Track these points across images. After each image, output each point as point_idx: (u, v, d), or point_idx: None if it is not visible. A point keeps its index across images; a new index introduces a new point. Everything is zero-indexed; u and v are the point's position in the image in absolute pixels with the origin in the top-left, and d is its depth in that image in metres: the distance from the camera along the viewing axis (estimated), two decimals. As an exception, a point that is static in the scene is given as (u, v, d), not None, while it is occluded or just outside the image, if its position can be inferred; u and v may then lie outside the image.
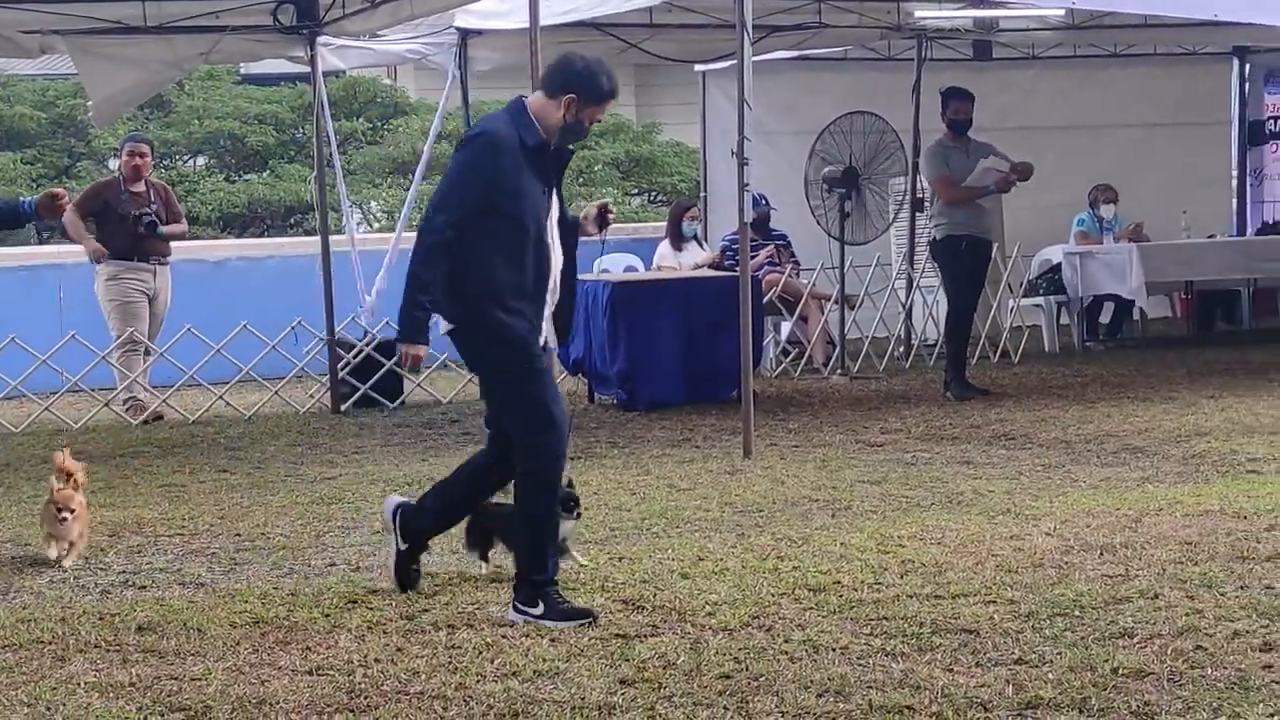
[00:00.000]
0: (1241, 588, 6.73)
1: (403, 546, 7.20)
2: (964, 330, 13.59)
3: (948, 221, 13.29)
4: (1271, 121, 20.25)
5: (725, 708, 5.45)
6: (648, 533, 8.39)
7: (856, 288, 15.37)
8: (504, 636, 6.43)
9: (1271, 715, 5.13)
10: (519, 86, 7.75)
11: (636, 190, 24.43)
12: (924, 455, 10.54)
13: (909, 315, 16.18)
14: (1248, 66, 20.01)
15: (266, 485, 10.22)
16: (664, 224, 16.26)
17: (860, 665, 5.88)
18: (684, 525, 8.56)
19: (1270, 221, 19.39)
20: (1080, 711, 5.25)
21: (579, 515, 7.39)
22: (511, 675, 5.90)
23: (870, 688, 5.59)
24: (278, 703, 5.64)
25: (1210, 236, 17.74)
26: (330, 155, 14.38)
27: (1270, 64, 20.06)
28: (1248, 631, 6.08)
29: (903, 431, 11.61)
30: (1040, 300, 16.79)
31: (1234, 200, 20.29)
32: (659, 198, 23.90)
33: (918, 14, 15.78)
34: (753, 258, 13.42)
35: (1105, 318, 17.57)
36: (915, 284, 16.08)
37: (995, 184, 13.37)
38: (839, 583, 7.09)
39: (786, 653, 6.07)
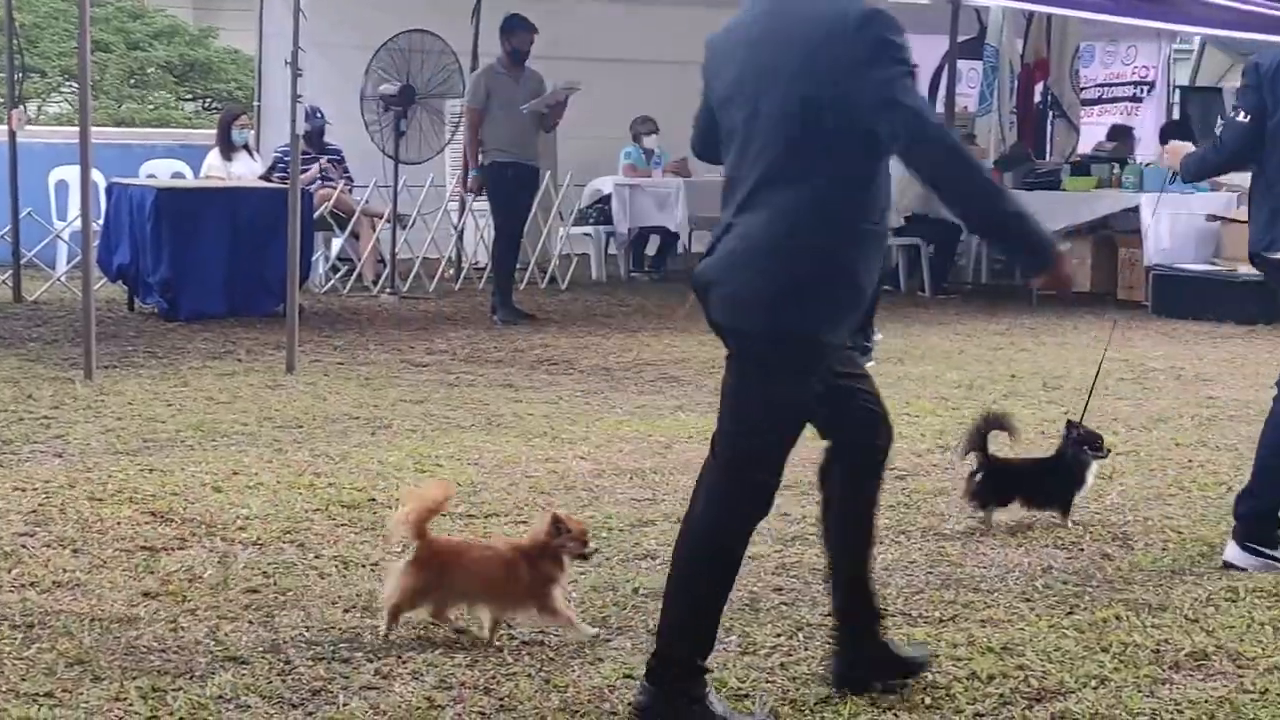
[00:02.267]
0: (758, 513, 7.00)
1: None
2: (509, 255, 13.72)
3: (494, 147, 13.41)
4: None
5: (250, 621, 5.41)
6: (182, 445, 8.24)
7: (409, 207, 15.34)
8: (24, 546, 6.24)
9: (779, 635, 5.37)
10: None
11: (190, 96, 23.81)
12: (467, 377, 10.63)
13: (460, 237, 16.24)
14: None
15: None
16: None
17: (389, 581, 5.91)
18: (220, 439, 8.43)
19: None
20: (601, 629, 5.41)
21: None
22: (30, 585, 5.74)
23: (398, 604, 5.63)
24: None
25: (753, 175, 18.28)
26: None
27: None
28: (764, 555, 6.33)
29: (448, 353, 11.67)
30: (589, 229, 17.07)
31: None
32: (213, 104, 23.35)
33: (479, -64, 15.79)
34: (305, 171, 13.26)
35: (651, 249, 17.98)
36: (468, 206, 16.14)
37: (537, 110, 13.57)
38: (374, 500, 7.11)
39: (316, 568, 6.07)
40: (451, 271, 16.01)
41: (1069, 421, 7.16)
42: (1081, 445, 7.00)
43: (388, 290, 14.86)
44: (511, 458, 8.08)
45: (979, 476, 6.90)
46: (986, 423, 6.98)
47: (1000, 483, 6.90)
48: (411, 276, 15.20)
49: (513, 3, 15.12)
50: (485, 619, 5.27)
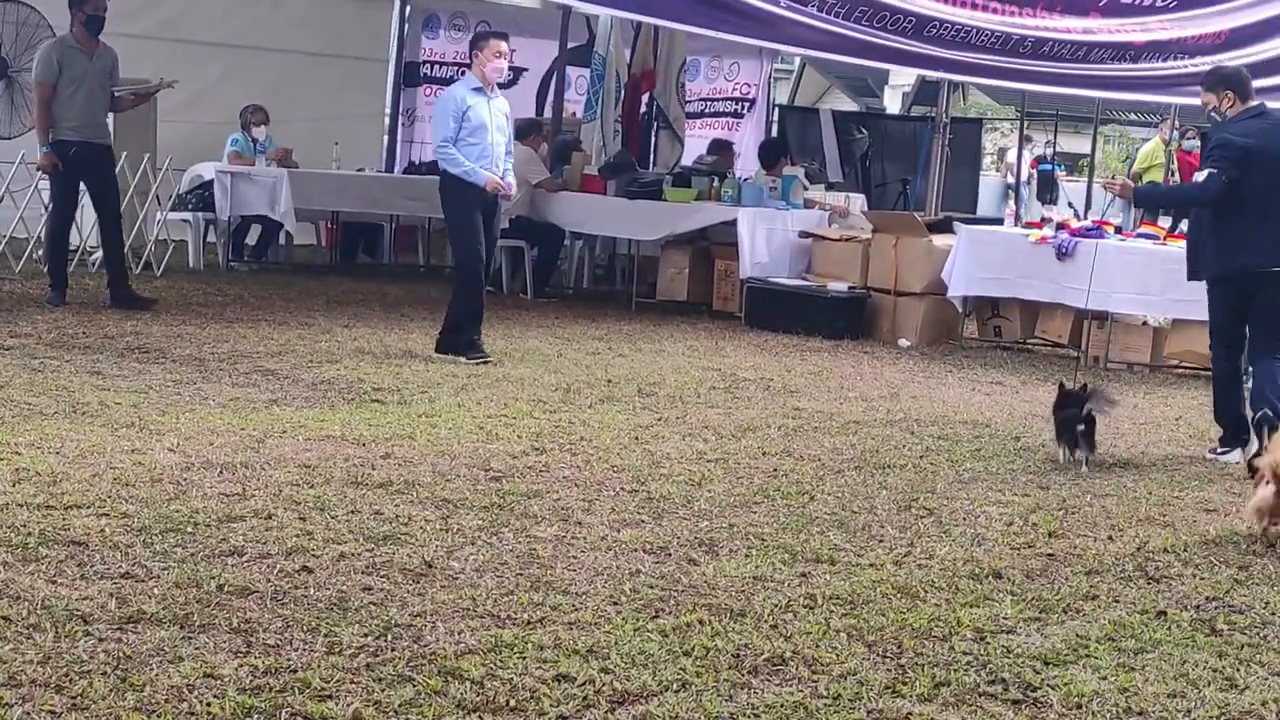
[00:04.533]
0: (353, 512, 6.93)
1: None
2: (62, 234, 13.32)
3: (62, 125, 12.92)
4: (427, 65, 20.95)
5: None
6: None
7: (-3, 184, 14.74)
8: None
9: (366, 635, 5.31)
10: None
11: None
12: (53, 362, 10.25)
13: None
14: (408, 8, 20.61)
15: None
16: None
17: (-42, 575, 5.65)
18: None
19: (417, 161, 20.07)
20: (181, 626, 5.26)
21: None
22: None
23: (-34, 598, 5.39)
24: None
25: (359, 170, 18.16)
26: None
27: (429, 8, 20.73)
28: (354, 554, 6.26)
29: (33, 336, 11.25)
30: (188, 215, 16.67)
31: (385, 137, 20.89)
32: None
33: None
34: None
35: (252, 239, 17.67)
36: (61, 186, 15.57)
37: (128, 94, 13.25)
38: (-55, 488, 6.79)
39: (-122, 559, 5.75)
40: (40, 253, 15.41)
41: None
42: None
43: (-30, 269, 14.25)
44: (96, 447, 7.82)
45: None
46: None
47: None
48: (-3, 256, 14.62)
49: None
50: None
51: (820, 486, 8.08)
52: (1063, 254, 13.54)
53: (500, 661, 5.15)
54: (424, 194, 17.25)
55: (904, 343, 14.29)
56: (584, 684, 5.01)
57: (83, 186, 13.24)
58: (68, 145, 12.90)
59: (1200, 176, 9.62)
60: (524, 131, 16.57)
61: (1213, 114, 9.89)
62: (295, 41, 18.88)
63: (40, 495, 6.81)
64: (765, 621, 5.75)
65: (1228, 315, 9.62)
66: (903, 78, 28.33)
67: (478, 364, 11.31)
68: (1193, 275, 9.79)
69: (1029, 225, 15.48)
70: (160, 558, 6.05)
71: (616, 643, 5.41)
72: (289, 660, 5.03)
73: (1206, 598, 6.48)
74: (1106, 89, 17.11)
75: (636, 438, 9.06)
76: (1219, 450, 9.64)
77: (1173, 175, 23.64)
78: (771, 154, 17.27)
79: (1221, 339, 9.72)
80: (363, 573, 6.05)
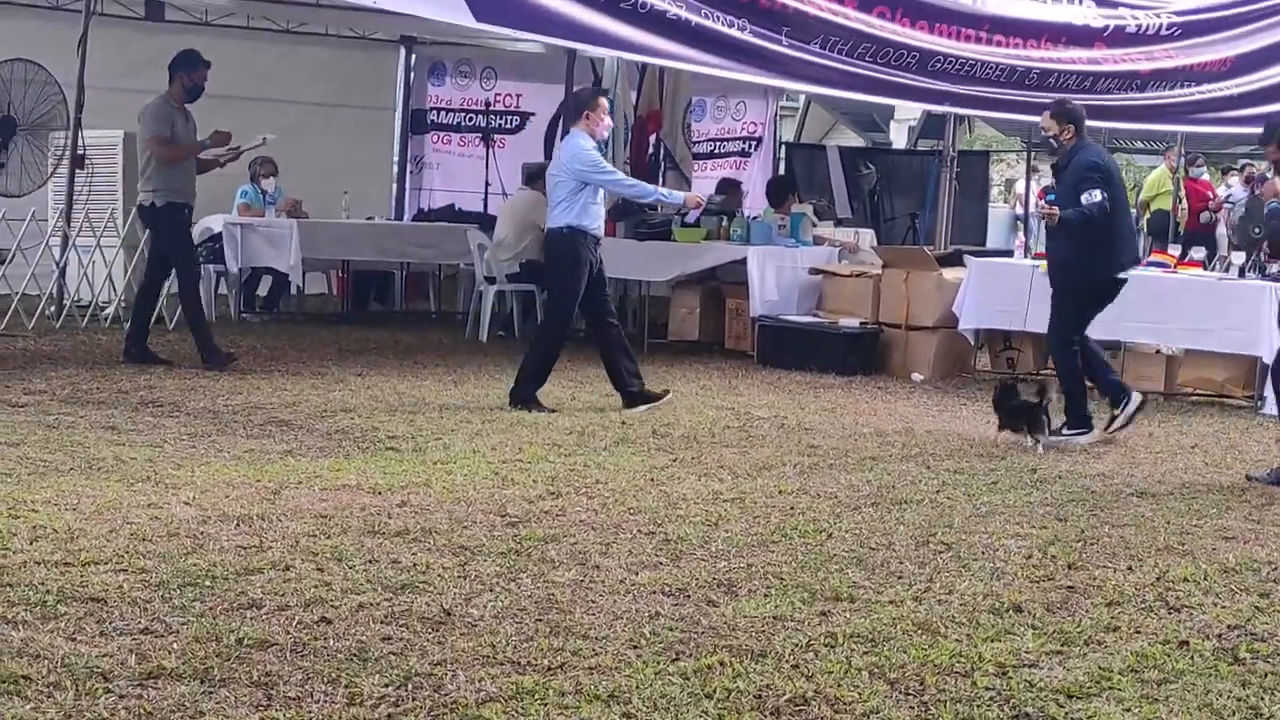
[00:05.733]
0: (370, 561, 6.92)
1: None
2: (153, 299, 13.40)
3: (170, 187, 12.87)
4: (434, 112, 21.03)
5: None
6: None
7: (9, 242, 14.79)
8: None
9: (387, 685, 5.30)
10: None
11: None
12: (67, 418, 10.26)
13: (63, 274, 15.71)
14: (414, 57, 20.68)
15: None
16: None
17: (-23, 634, 5.64)
18: None
19: (426, 208, 20.12)
20: (202, 681, 5.25)
21: None
22: None
23: (-14, 657, 5.38)
24: None
25: (369, 218, 18.20)
26: None
27: (435, 56, 20.81)
28: (372, 604, 6.25)
29: (47, 393, 11.26)
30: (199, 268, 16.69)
31: (394, 185, 20.95)
32: None
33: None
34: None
35: (264, 290, 17.70)
36: (71, 243, 15.63)
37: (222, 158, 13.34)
38: (-37, 548, 6.79)
39: (-102, 620, 5.74)
40: (53, 309, 15.46)
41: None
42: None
43: (-17, 327, 14.28)
44: (112, 503, 7.81)
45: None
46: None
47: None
48: (10, 313, 14.63)
49: (122, 34, 14.79)
50: None
51: (838, 524, 8.07)
52: (1073, 284, 13.52)
53: (522, 709, 5.13)
54: (433, 241, 17.36)
55: (917, 377, 14.27)
56: (606, 729, 4.99)
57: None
58: (180, 208, 12.95)
59: (1096, 197, 10.74)
60: (533, 176, 16.59)
61: (1050, 140, 11.22)
62: (302, 92, 18.94)
63: (58, 552, 6.80)
64: (786, 661, 5.73)
65: (1085, 319, 11.10)
66: (908, 112, 28.38)
67: (548, 412, 11.40)
68: (1054, 282, 11.17)
69: (1039, 256, 15.47)
70: (179, 612, 6.04)
71: (638, 686, 5.39)
72: (310, 712, 5.02)
73: (1228, 626, 6.45)
74: (1114, 119, 17.12)
75: (652, 479, 9.05)
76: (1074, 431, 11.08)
77: (1181, 202, 23.66)
78: (779, 192, 17.27)
79: (1072, 338, 11.09)
80: (382, 622, 6.04)
